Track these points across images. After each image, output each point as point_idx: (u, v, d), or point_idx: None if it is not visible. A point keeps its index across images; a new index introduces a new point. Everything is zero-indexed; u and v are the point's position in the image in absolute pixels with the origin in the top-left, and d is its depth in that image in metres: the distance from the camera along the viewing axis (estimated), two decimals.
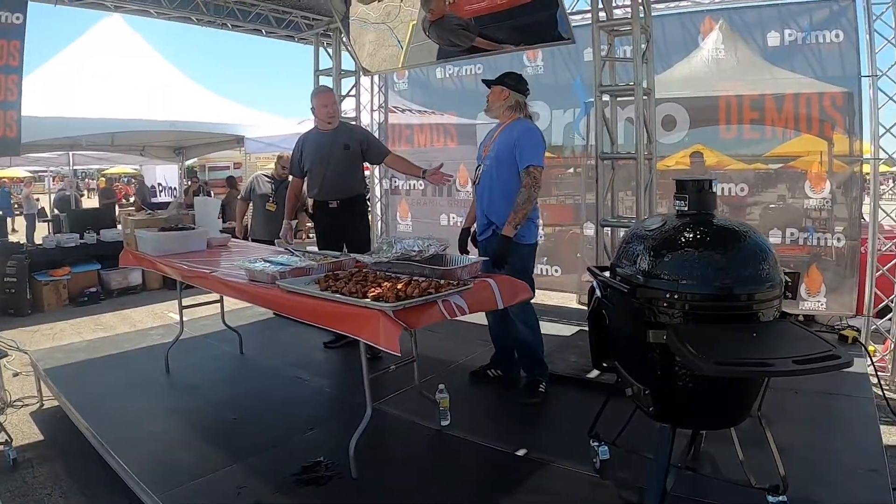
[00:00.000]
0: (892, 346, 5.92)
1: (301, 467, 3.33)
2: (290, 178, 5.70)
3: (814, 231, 6.24)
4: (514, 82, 4.33)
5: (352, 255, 4.06)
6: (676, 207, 2.76)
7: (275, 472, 3.34)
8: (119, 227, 12.37)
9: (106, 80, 11.00)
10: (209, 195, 14.29)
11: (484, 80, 4.46)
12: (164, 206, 14.15)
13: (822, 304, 6.19)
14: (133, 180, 20.09)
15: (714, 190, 2.78)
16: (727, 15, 6.53)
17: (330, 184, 5.13)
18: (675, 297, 2.48)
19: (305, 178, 5.31)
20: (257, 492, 3.17)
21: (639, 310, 2.58)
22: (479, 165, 4.39)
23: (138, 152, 14.08)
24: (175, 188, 16.33)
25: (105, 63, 11.49)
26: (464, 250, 4.49)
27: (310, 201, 5.49)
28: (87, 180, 24.15)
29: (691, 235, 2.58)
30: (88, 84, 10.67)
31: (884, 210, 5.89)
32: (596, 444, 3.21)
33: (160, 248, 4.73)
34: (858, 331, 5.96)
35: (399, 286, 3.03)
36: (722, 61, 6.42)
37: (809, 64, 6.13)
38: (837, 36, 6.00)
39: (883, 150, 5.84)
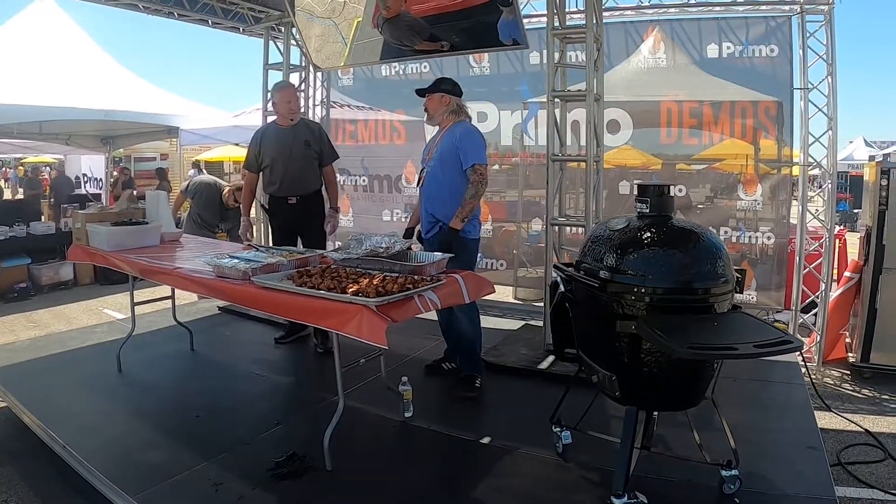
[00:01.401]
0: (818, 338, 6.35)
1: (274, 462, 3.36)
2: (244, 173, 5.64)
3: (745, 230, 6.59)
4: (451, 87, 4.51)
5: (317, 251, 4.10)
6: (638, 210, 3.00)
7: (249, 468, 3.37)
8: (44, 219, 11.97)
9: (36, 65, 10.51)
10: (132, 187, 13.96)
11: (418, 91, 4.59)
12: (87, 199, 13.67)
13: (752, 298, 6.55)
14: (50, 169, 19.19)
15: (672, 194, 3.02)
16: (669, 26, 6.84)
17: (290, 180, 5.13)
18: (642, 290, 2.70)
19: (260, 174, 5.27)
20: (236, 488, 3.20)
21: (607, 303, 2.80)
22: (423, 168, 4.54)
23: (64, 141, 13.54)
24: (101, 179, 15.72)
25: (35, 48, 10.99)
26: None
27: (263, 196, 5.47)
28: (4, 169, 23.02)
29: (654, 235, 2.82)
30: (16, 69, 10.19)
31: (810, 212, 6.28)
32: (558, 429, 3.42)
33: (114, 243, 4.64)
34: (786, 324, 6.36)
35: (376, 282, 3.11)
36: (663, 69, 6.74)
37: (745, 75, 6.48)
38: (772, 50, 6.39)
39: (811, 157, 6.25)
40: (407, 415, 3.92)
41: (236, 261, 3.71)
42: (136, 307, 5.07)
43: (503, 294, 7.66)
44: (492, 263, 7.86)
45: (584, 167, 5.05)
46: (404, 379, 3.96)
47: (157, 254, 4.52)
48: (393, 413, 3.96)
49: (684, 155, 6.90)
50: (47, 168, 20.20)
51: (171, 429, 3.93)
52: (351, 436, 3.64)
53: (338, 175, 8.72)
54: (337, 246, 4.94)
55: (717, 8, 6.62)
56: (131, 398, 4.47)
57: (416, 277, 3.32)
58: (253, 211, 5.68)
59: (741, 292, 2.97)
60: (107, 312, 8.45)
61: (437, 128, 4.62)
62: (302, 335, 5.57)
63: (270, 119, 5.88)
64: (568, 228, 5.57)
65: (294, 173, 5.13)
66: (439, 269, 3.61)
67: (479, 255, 7.52)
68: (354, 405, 3.94)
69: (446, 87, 4.49)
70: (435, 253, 3.89)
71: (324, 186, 5.37)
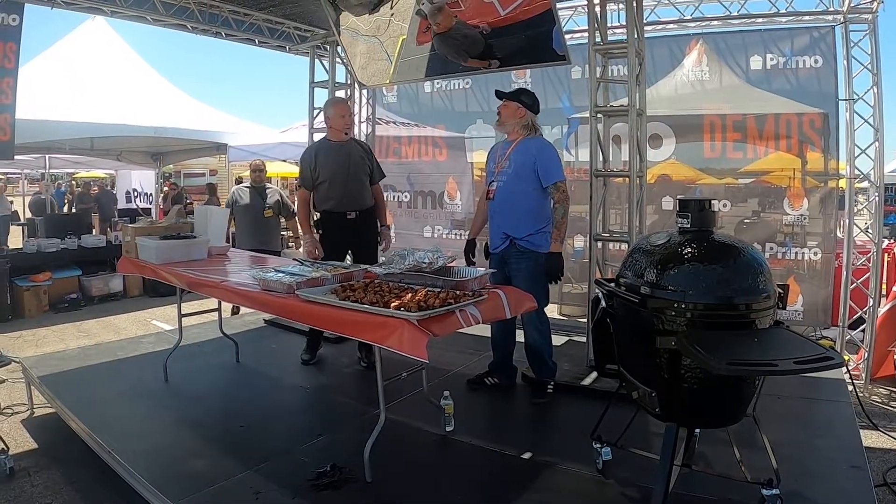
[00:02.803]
0: (865, 355, 6.20)
1: (315, 472, 3.42)
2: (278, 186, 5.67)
3: (791, 245, 6.49)
4: (531, 101, 4.49)
5: (361, 266, 4.15)
6: (679, 225, 2.99)
7: (290, 478, 3.42)
8: (95, 232, 12.29)
9: (88, 83, 10.89)
10: (185, 201, 14.31)
11: (497, 92, 4.59)
12: (138, 213, 14.04)
13: (798, 315, 6.43)
14: (94, 184, 19.67)
15: (714, 209, 3.01)
16: (712, 39, 6.80)
17: (350, 194, 5.14)
18: (682, 306, 2.69)
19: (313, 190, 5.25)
20: (276, 497, 3.26)
21: (647, 318, 2.79)
22: (493, 182, 4.51)
23: (115, 157, 13.96)
24: (151, 194, 16.16)
25: (87, 66, 11.37)
26: (469, 261, 4.63)
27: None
28: (57, 183, 23.71)
29: (695, 250, 2.81)
30: (69, 87, 10.54)
31: (858, 226, 6.16)
32: (598, 445, 3.40)
33: (163, 257, 4.76)
34: (833, 341, 6.23)
35: (419, 297, 3.15)
36: (706, 82, 6.69)
37: (790, 87, 6.40)
38: (816, 61, 6.30)
39: (858, 169, 6.14)
40: (448, 429, 3.93)
41: (281, 275, 3.78)
42: (183, 319, 5.20)
43: (547, 310, 7.65)
44: None
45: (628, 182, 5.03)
46: (446, 393, 3.98)
47: (205, 267, 4.62)
48: (434, 427, 3.98)
49: (729, 169, 6.83)
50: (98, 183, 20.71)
51: (215, 438, 4.01)
52: (392, 448, 3.66)
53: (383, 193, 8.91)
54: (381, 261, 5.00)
55: (760, 20, 6.55)
56: (177, 407, 4.58)
57: (457, 292, 3.35)
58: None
59: (784, 308, 2.92)
60: (154, 324, 8.63)
61: (505, 139, 4.62)
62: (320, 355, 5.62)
63: (317, 135, 5.91)
64: (612, 244, 5.55)
65: (353, 188, 5.14)
66: (481, 285, 3.63)
67: None
68: (396, 418, 3.98)
69: (526, 100, 4.47)
70: (478, 268, 3.92)
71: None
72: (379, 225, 5.41)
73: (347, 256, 5.17)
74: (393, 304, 3.07)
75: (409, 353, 2.87)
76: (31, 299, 9.22)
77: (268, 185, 8.05)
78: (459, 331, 3.31)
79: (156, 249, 4.78)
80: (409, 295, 3.21)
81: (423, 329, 2.90)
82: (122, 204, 16.92)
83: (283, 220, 8.11)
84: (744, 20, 6.58)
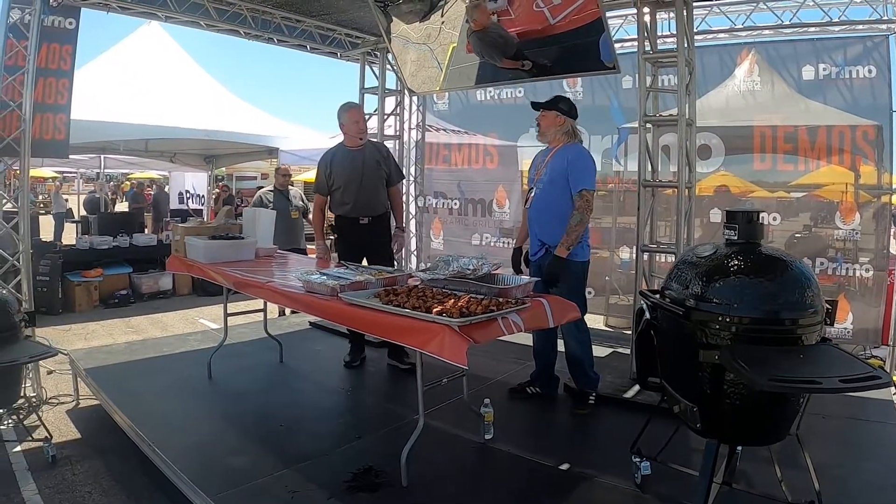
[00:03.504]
0: None
1: (352, 474, 3.44)
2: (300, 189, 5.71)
3: (842, 261, 6.32)
4: (567, 107, 4.48)
5: (405, 271, 4.17)
6: (726, 236, 2.94)
7: (326, 478, 3.45)
8: (147, 231, 12.58)
9: (143, 85, 11.21)
10: (236, 202, 14.55)
11: (533, 104, 4.58)
12: (189, 214, 14.32)
13: (848, 332, 6.26)
14: (153, 185, 20.19)
15: (762, 221, 2.95)
16: (764, 48, 6.66)
17: (363, 200, 5.19)
18: (727, 320, 2.64)
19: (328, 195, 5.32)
20: (312, 496, 3.29)
21: (691, 331, 2.75)
22: (532, 189, 4.52)
23: (169, 159, 14.29)
24: (203, 196, 16.51)
25: (143, 69, 11.71)
26: (517, 269, 4.64)
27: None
28: (111, 183, 24.38)
29: (741, 263, 2.77)
30: (126, 89, 10.86)
31: None
32: (637, 459, 3.33)
33: (211, 256, 4.87)
34: (883, 360, 6.04)
35: (461, 303, 3.16)
36: (758, 93, 6.56)
37: (843, 98, 6.24)
38: (870, 71, 6.10)
39: None
40: (487, 437, 3.92)
41: (325, 277, 3.83)
42: (229, 318, 5.31)
43: (593, 321, 7.58)
44: (588, 291, 7.75)
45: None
46: (486, 401, 3.97)
47: (251, 267, 4.71)
48: (473, 434, 3.97)
49: (782, 182, 6.67)
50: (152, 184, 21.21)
51: (255, 436, 4.07)
52: (430, 454, 3.66)
53: (430, 198, 8.94)
54: (426, 266, 5.01)
55: (813, 29, 6.38)
56: (219, 404, 4.68)
57: (500, 300, 3.34)
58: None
59: (831, 324, 2.84)
60: (202, 322, 8.79)
61: (543, 145, 4.63)
62: (364, 357, 5.65)
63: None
64: (659, 256, 5.48)
65: (366, 194, 5.19)
66: (525, 293, 3.61)
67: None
68: (436, 424, 3.99)
69: (563, 106, 4.46)
70: (521, 276, 3.90)
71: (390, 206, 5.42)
72: (393, 227, 5.44)
73: (364, 261, 5.17)
74: (435, 310, 3.08)
75: (450, 359, 2.87)
76: (81, 294, 9.49)
77: (290, 187, 8.41)
78: (503, 339, 3.31)
79: (204, 249, 4.89)
80: (452, 301, 3.22)
81: (464, 335, 2.90)
82: (174, 205, 17.32)
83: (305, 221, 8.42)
84: (795, 29, 6.42)
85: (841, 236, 6.30)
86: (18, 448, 4.48)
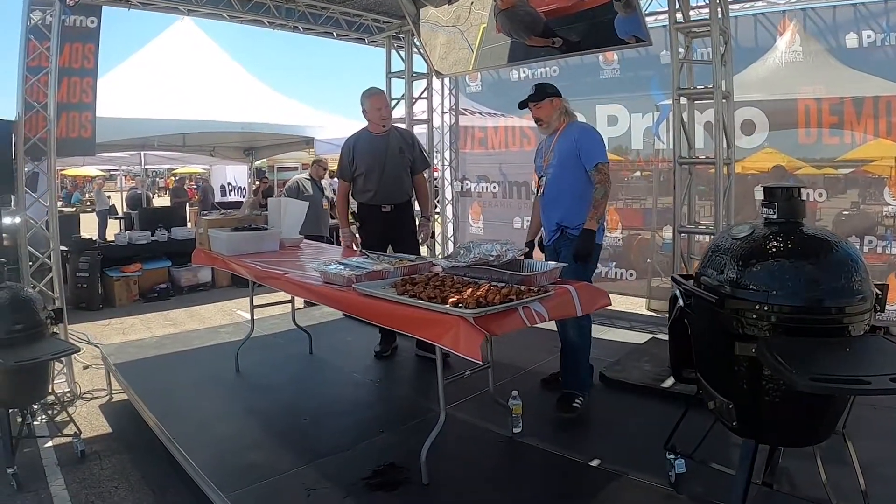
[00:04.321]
0: None
1: (372, 471, 3.32)
2: (336, 181, 5.63)
3: (892, 238, 5.94)
4: (553, 89, 4.33)
5: (427, 258, 4.02)
6: (765, 216, 2.66)
7: (345, 475, 3.34)
8: (189, 225, 12.70)
9: (178, 81, 11.29)
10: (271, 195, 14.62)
11: (521, 104, 4.40)
12: (232, 205, 14.45)
13: None
14: (200, 179, 20.55)
15: (803, 198, 2.67)
16: (804, 16, 6.27)
17: (386, 188, 5.07)
18: (765, 308, 2.39)
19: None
20: (328, 494, 3.18)
21: (726, 321, 2.51)
22: (542, 177, 4.35)
23: (208, 153, 14.41)
24: (244, 188, 16.68)
25: (177, 65, 11.81)
26: None
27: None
28: (156, 179, 24.87)
29: (781, 245, 2.49)
30: (161, 85, 10.96)
31: None
32: (672, 456, 3.11)
33: (233, 248, 4.79)
34: None
35: (479, 292, 2.98)
36: (800, 64, 6.18)
37: (889, 66, 5.80)
38: None
39: None
40: (515, 431, 3.74)
41: (342, 267, 3.71)
42: (263, 309, 5.29)
43: (636, 305, 7.37)
44: (621, 273, 7.53)
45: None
46: (514, 393, 3.78)
47: (274, 259, 4.61)
48: (501, 428, 3.80)
49: (828, 158, 6.30)
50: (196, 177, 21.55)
51: (278, 430, 4.00)
52: (454, 449, 3.54)
53: (469, 182, 8.76)
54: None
55: None
56: (244, 398, 4.61)
57: (522, 288, 3.16)
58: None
59: (882, 311, 2.56)
60: (239, 313, 8.76)
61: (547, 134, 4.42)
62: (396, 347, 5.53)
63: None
64: (701, 237, 5.22)
65: (389, 181, 5.07)
66: (551, 279, 3.42)
67: (608, 263, 7.32)
68: (463, 417, 3.90)
69: (552, 90, 4.31)
70: (549, 262, 3.71)
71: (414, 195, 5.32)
72: (419, 216, 5.31)
73: (389, 248, 5.07)
74: (451, 300, 2.91)
75: (464, 354, 2.71)
76: (121, 289, 9.60)
77: (325, 179, 8.79)
78: (535, 327, 3.15)
79: (226, 241, 4.82)
80: (470, 290, 3.04)
81: (478, 327, 2.73)
82: (217, 197, 17.52)
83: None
84: None
85: (891, 213, 5.90)
86: (50, 443, 4.52)
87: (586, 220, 4.03)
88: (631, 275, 7.48)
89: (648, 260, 7.31)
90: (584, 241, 4.01)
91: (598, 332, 4.38)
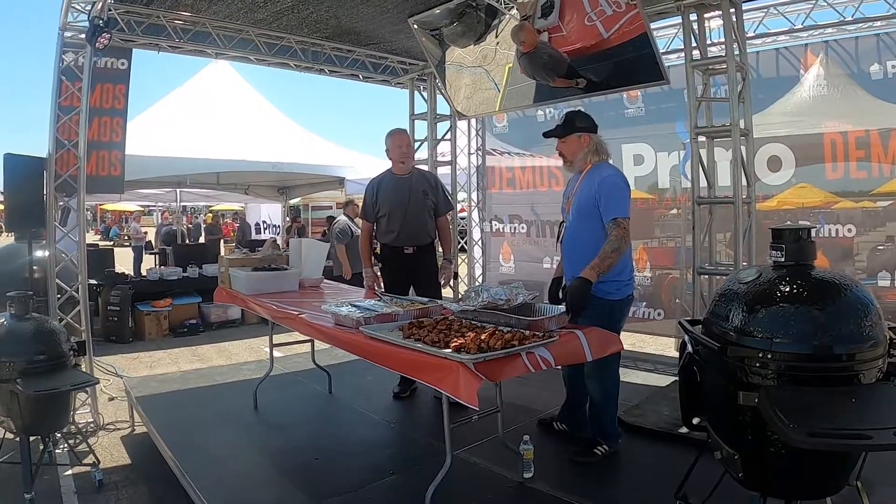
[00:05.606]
0: None
1: None
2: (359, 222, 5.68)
3: None
4: (587, 122, 3.96)
5: (437, 301, 4.02)
6: (772, 258, 2.58)
7: None
8: None
9: (212, 120, 11.54)
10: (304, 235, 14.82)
11: (545, 133, 4.12)
12: (261, 243, 14.65)
13: None
14: (237, 216, 20.91)
15: (813, 239, 2.59)
16: (827, 48, 6.20)
17: (408, 230, 5.08)
18: (769, 356, 2.30)
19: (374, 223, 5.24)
20: None
21: (730, 369, 2.42)
22: (563, 221, 4.09)
23: (243, 191, 14.67)
24: (278, 226, 16.94)
25: (212, 104, 12.09)
26: (555, 300, 4.08)
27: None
28: (189, 215, 25.38)
29: (787, 289, 2.39)
30: (196, 124, 11.22)
31: None
32: None
33: (252, 288, 4.85)
34: None
35: (482, 337, 2.96)
36: (826, 97, 6.11)
37: None
38: None
39: None
40: (526, 476, 3.66)
41: (353, 309, 3.72)
42: (284, 348, 5.38)
43: (664, 345, 7.26)
44: (650, 313, 7.44)
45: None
46: (526, 438, 3.72)
47: (292, 299, 4.65)
48: (511, 472, 3.73)
49: (858, 192, 6.16)
50: (232, 215, 21.93)
51: (289, 469, 4.00)
52: (463, 493, 3.48)
53: (496, 223, 8.76)
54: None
55: (879, 23, 5.79)
56: (259, 435, 4.63)
57: (527, 333, 3.13)
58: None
59: None
60: (267, 351, 8.79)
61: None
62: (417, 388, 5.48)
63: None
64: (722, 278, 5.13)
65: (411, 223, 5.07)
66: (559, 324, 3.37)
67: (639, 303, 7.20)
68: (474, 461, 3.85)
69: (582, 124, 3.91)
70: (557, 306, 3.62)
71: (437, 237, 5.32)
72: (440, 258, 5.32)
73: (411, 290, 5.07)
74: (453, 344, 2.90)
75: (463, 399, 2.68)
76: (151, 323, 9.77)
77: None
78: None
79: (245, 280, 4.89)
80: (473, 335, 3.02)
81: (476, 373, 2.71)
82: (253, 235, 17.78)
83: None
84: (859, 25, 5.91)
85: None
86: (69, 472, 4.60)
87: (586, 268, 3.54)
88: (659, 314, 7.38)
89: (678, 300, 7.21)
90: (574, 288, 3.49)
91: (623, 374, 4.26)
